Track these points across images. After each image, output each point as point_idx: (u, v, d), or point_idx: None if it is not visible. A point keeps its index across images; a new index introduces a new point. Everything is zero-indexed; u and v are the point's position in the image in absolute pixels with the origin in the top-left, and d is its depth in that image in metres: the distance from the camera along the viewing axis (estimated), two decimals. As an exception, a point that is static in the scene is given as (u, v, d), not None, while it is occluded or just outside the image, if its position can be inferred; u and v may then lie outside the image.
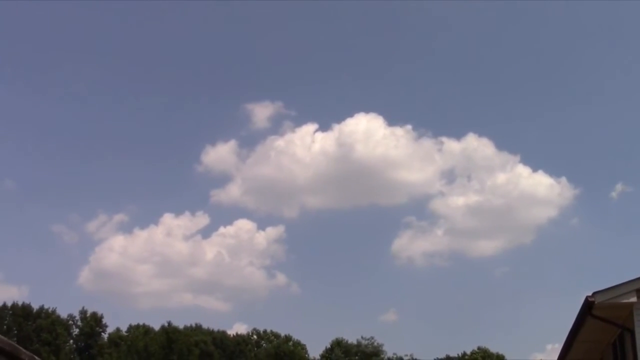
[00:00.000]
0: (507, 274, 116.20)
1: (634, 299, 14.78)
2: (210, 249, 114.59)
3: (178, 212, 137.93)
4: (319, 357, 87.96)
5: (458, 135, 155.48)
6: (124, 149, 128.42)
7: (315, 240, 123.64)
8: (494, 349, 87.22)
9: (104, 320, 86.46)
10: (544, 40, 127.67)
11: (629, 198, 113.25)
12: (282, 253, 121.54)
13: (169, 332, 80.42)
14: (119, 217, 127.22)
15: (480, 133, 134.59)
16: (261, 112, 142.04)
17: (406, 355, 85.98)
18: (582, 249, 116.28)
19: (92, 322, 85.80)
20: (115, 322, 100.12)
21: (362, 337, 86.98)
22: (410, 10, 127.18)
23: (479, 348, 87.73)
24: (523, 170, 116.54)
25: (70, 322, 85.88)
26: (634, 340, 14.87)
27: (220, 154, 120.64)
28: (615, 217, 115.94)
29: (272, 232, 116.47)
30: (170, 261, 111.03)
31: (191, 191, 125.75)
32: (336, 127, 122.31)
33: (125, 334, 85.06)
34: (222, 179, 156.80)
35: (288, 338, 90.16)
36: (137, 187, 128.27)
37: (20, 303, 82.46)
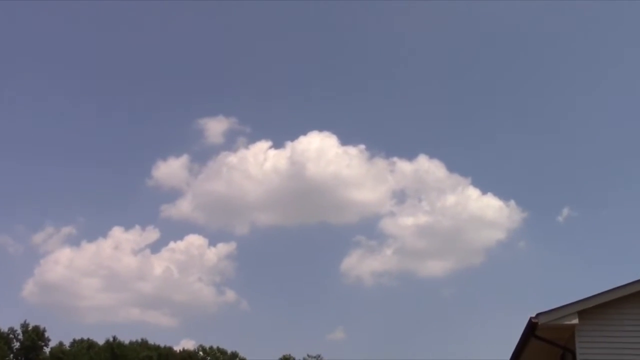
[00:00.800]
0: (455, 295, 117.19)
1: (575, 321, 15.14)
2: (159, 264, 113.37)
3: (128, 226, 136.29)
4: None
5: (410, 156, 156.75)
6: (75, 160, 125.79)
7: (265, 257, 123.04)
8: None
9: (47, 334, 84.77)
10: (495, 64, 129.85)
11: (575, 222, 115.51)
12: (232, 270, 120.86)
13: (114, 347, 79.20)
14: (67, 230, 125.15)
15: (432, 155, 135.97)
16: (215, 127, 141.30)
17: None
18: (528, 272, 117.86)
19: (34, 336, 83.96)
20: (59, 336, 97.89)
21: (308, 355, 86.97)
22: (367, 31, 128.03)
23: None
24: (473, 193, 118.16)
25: (11, 335, 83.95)
26: (576, 361, 15.22)
27: (171, 169, 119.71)
28: (561, 240, 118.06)
29: (223, 248, 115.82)
30: (118, 275, 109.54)
31: (141, 205, 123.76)
32: (289, 145, 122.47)
33: (69, 348, 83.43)
34: (173, 194, 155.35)
35: (234, 355, 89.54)
36: (87, 200, 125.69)
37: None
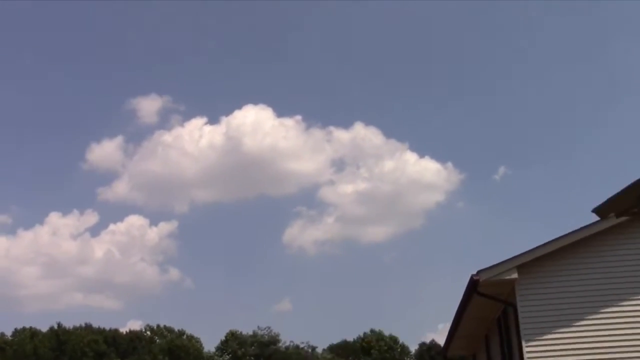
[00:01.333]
0: (398, 259, 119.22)
1: (515, 276, 15.51)
2: (100, 247, 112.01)
3: (65, 211, 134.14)
4: (214, 350, 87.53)
5: (346, 124, 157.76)
6: (4, 144, 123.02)
7: (206, 233, 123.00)
8: (388, 331, 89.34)
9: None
10: (428, 27, 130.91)
11: (510, 180, 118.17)
12: (174, 248, 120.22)
13: (59, 334, 78.06)
14: (1, 219, 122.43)
15: (369, 122, 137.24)
16: (149, 107, 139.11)
17: (302, 343, 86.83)
18: (468, 231, 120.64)
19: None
20: (2, 327, 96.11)
21: (258, 328, 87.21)
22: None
23: (371, 331, 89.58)
24: (411, 157, 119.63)
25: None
26: (517, 315, 15.61)
27: (106, 151, 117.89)
28: (498, 199, 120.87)
29: (164, 227, 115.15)
30: (58, 261, 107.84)
31: (77, 189, 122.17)
32: (225, 120, 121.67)
33: (11, 338, 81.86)
34: (109, 176, 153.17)
35: (181, 332, 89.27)
36: (20, 187, 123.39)
37: None
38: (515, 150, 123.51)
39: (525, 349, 15.30)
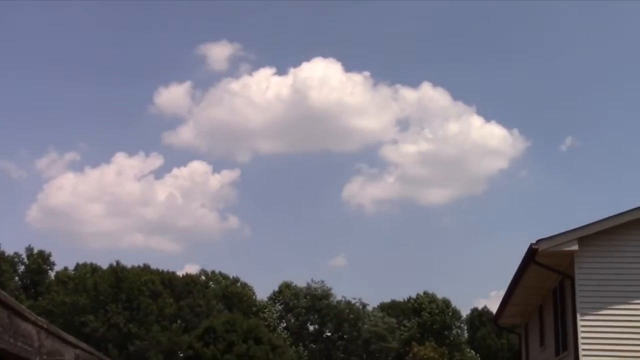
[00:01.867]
0: (456, 223, 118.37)
1: (575, 247, 15.26)
2: (163, 190, 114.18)
3: (131, 152, 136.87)
4: (266, 299, 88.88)
5: (414, 84, 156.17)
6: (75, 83, 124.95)
7: (267, 184, 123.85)
8: (441, 294, 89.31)
9: (52, 259, 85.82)
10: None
11: (577, 151, 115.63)
12: (235, 196, 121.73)
13: (118, 271, 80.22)
14: (70, 156, 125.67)
15: (436, 82, 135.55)
16: (218, 53, 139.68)
17: (354, 299, 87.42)
18: (529, 201, 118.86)
19: (39, 260, 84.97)
20: (63, 260, 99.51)
21: (312, 281, 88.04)
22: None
23: (424, 293, 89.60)
24: (477, 121, 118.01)
25: (16, 259, 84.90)
26: (574, 287, 15.39)
27: (173, 95, 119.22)
28: (562, 170, 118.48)
29: (226, 175, 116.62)
30: (122, 201, 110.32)
31: (144, 132, 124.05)
32: (293, 72, 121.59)
33: (73, 272, 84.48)
34: (175, 121, 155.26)
35: (236, 280, 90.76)
36: (90, 125, 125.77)
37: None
38: (584, 121, 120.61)
39: (579, 323, 15.11)
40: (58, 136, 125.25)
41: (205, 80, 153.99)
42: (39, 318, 10.39)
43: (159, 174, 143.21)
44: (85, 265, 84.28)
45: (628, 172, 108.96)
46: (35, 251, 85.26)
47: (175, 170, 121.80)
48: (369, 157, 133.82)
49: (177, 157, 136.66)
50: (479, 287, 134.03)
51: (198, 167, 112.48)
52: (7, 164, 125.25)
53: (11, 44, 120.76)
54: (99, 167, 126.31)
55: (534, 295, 19.86)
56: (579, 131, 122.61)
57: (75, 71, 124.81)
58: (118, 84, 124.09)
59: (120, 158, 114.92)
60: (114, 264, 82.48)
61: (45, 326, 10.61)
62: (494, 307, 50.04)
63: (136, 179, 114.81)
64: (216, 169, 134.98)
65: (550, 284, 18.02)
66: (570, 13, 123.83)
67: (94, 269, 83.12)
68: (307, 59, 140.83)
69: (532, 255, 15.71)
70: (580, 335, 15.08)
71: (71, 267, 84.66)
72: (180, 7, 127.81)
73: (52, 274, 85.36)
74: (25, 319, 9.55)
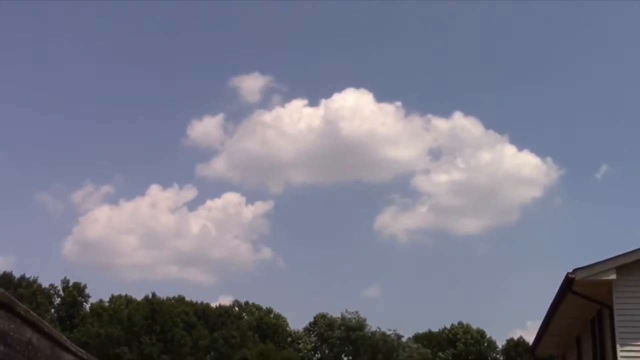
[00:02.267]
0: (490, 252, 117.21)
1: (613, 277, 15.08)
2: (196, 222, 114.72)
3: (165, 185, 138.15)
4: (301, 330, 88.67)
5: (446, 113, 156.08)
6: (111, 118, 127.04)
7: (300, 215, 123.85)
8: (475, 324, 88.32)
9: (87, 291, 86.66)
10: (534, 21, 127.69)
11: (613, 179, 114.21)
12: (268, 227, 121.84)
13: (153, 303, 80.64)
14: (105, 188, 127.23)
15: (468, 112, 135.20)
16: (251, 85, 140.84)
17: (389, 330, 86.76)
18: (564, 230, 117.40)
19: (75, 292, 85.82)
20: (99, 292, 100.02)
21: (346, 311, 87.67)
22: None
23: (459, 323, 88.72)
24: (509, 150, 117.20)
25: (52, 291, 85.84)
26: (613, 317, 15.18)
27: (206, 128, 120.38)
28: (598, 198, 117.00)
29: (259, 206, 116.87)
30: (156, 233, 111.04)
31: (178, 164, 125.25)
32: (324, 103, 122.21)
33: (107, 304, 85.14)
34: (209, 153, 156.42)
35: (269, 310, 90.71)
36: (124, 158, 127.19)
37: (9, 272, 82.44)
38: (619, 149, 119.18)
39: (619, 353, 14.88)
40: (94, 170, 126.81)
41: (237, 112, 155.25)
42: (80, 349, 10.55)
43: (192, 205, 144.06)
44: (120, 297, 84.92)
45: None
46: (71, 283, 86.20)
47: (208, 202, 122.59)
48: (401, 187, 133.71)
49: (211, 189, 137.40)
50: (515, 317, 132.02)
51: (231, 198, 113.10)
52: (44, 197, 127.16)
53: (48, 80, 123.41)
54: (134, 200, 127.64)
55: (571, 326, 19.61)
56: (614, 159, 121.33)
57: (111, 106, 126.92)
58: (152, 117, 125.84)
59: (155, 190, 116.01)
60: (149, 295, 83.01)
61: (85, 357, 10.76)
62: (530, 338, 49.45)
63: (170, 211, 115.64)
64: (249, 200, 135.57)
65: (588, 313, 17.80)
66: (602, 39, 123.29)
67: (128, 300, 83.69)
68: (339, 89, 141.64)
69: (569, 284, 15.56)
70: (620, 366, 14.86)
71: (106, 299, 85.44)
72: (213, 41, 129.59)
73: (87, 306, 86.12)
74: (67, 350, 9.71)
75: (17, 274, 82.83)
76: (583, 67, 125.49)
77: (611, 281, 15.16)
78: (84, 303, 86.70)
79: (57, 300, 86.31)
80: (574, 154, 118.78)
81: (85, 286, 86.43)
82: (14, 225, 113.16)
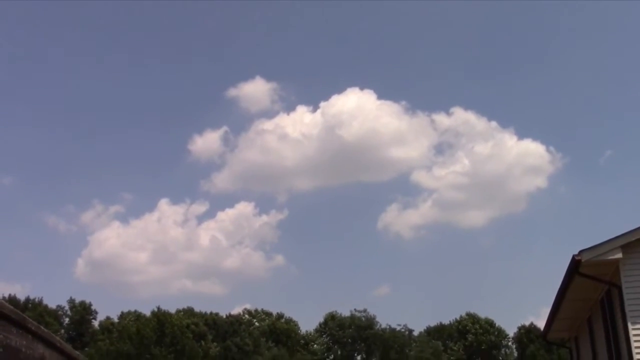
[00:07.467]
0: (497, 243, 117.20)
1: (619, 255, 14.99)
2: (206, 234, 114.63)
3: (174, 200, 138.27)
4: (313, 332, 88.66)
5: (446, 108, 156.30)
6: (113, 136, 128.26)
7: (308, 220, 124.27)
8: (486, 315, 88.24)
9: (93, 307, 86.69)
10: (532, 10, 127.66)
11: (617, 164, 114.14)
12: (275, 235, 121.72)
13: (159, 316, 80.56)
14: (115, 208, 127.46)
15: (468, 106, 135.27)
16: (252, 93, 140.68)
17: (399, 325, 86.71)
18: (570, 217, 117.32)
19: (82, 310, 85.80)
20: (112, 311, 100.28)
21: (355, 310, 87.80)
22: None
23: (467, 314, 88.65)
24: (512, 140, 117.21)
25: (60, 312, 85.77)
26: (622, 296, 15.12)
27: (208, 140, 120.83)
28: (602, 184, 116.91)
29: (268, 215, 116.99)
30: (166, 248, 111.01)
31: (184, 178, 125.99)
32: (324, 107, 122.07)
33: (117, 320, 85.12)
34: (215, 164, 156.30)
35: (280, 315, 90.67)
36: (131, 176, 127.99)
37: (13, 295, 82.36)
38: (622, 133, 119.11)
39: (631, 331, 14.81)
40: (102, 189, 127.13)
41: (239, 123, 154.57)
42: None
43: (201, 218, 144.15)
44: (129, 313, 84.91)
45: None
46: (77, 302, 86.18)
47: (218, 214, 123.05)
48: (404, 185, 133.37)
49: (220, 201, 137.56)
50: (529, 305, 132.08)
51: (239, 208, 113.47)
52: (54, 219, 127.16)
53: (51, 102, 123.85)
54: (143, 217, 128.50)
55: (581, 308, 19.57)
56: (617, 144, 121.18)
57: (119, 125, 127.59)
58: (158, 132, 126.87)
59: (164, 205, 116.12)
60: (155, 309, 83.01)
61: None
62: (542, 324, 49.31)
63: (179, 225, 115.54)
64: (257, 210, 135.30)
65: (596, 294, 17.76)
66: (603, 27, 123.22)
67: (137, 316, 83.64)
68: (338, 91, 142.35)
69: (575, 266, 15.49)
70: (633, 344, 14.79)
71: (117, 316, 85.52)
72: (214, 50, 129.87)
73: (95, 323, 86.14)
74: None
75: (32, 297, 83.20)
76: (582, 53, 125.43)
77: (618, 260, 15.08)
78: (92, 320, 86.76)
79: (66, 321, 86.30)
80: (577, 140, 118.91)
81: (90, 303, 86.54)
82: (26, 250, 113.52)
